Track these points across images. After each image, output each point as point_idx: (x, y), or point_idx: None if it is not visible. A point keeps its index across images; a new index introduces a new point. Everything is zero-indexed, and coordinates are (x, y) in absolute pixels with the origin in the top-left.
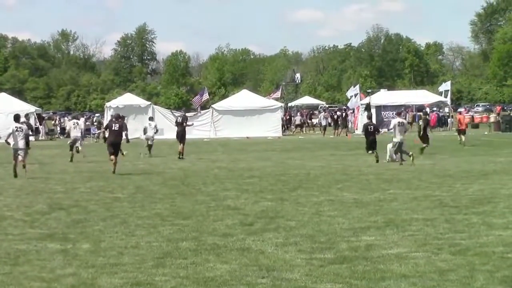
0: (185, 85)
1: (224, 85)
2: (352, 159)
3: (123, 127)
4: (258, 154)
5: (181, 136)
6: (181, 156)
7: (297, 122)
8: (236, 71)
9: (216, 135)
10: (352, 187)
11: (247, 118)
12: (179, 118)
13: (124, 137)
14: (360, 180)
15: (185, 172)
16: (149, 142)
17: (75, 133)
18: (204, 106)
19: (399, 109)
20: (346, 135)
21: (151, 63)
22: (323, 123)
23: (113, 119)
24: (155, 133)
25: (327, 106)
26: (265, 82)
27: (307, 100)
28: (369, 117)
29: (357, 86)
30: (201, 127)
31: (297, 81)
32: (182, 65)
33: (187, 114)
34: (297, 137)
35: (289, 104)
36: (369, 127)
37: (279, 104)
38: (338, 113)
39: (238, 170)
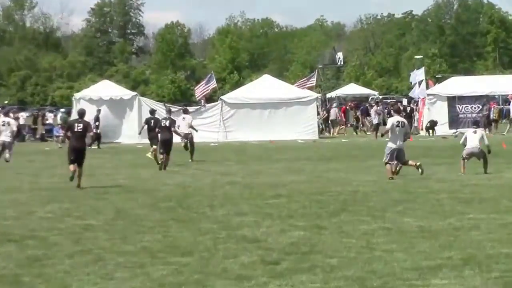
0: (184, 69)
1: (238, 69)
2: (415, 171)
3: (88, 128)
4: (286, 165)
5: (166, 145)
6: (164, 168)
7: (332, 117)
8: (254, 50)
9: (227, 137)
10: (417, 210)
11: (270, 114)
12: (164, 121)
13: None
14: (427, 200)
15: (184, 190)
16: (185, 142)
17: (3, 136)
18: (211, 98)
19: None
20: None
21: (137, 39)
22: (375, 120)
23: (78, 118)
24: (193, 130)
25: (380, 97)
26: (294, 65)
27: (352, 89)
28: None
29: (422, 70)
30: (206, 127)
31: (338, 63)
32: (179, 42)
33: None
34: (339, 141)
35: (328, 95)
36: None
37: (314, 94)
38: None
39: (258, 187)
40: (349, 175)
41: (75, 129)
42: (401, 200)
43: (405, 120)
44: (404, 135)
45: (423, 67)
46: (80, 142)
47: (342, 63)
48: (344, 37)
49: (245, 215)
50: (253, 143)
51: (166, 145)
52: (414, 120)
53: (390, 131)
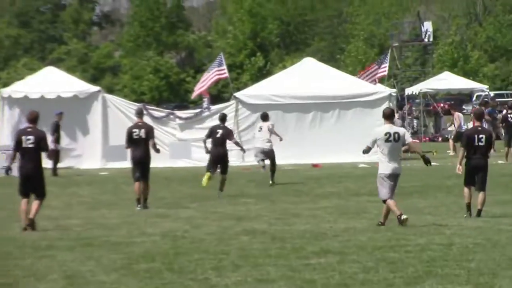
0: (176, 48)
1: (262, 49)
2: None
3: (40, 143)
4: (338, 203)
5: (141, 165)
6: (142, 205)
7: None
8: (289, 18)
9: (244, 158)
10: None
11: (313, 122)
12: (138, 131)
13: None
14: None
15: (175, 243)
16: (263, 160)
17: None
18: (218, 96)
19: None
20: None
21: (101, 0)
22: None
23: (28, 125)
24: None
25: (491, 94)
26: (354, 41)
27: (447, 81)
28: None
29: None
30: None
31: (425, 40)
32: (168, 5)
33: (179, 113)
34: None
35: (408, 91)
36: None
37: (387, 90)
38: None
39: (293, 239)
40: (439, 219)
41: (24, 144)
42: None
43: (400, 130)
44: (400, 151)
45: None
46: (33, 164)
47: (431, 39)
48: None
49: (273, 284)
50: (286, 167)
51: (143, 167)
52: None
53: (379, 146)
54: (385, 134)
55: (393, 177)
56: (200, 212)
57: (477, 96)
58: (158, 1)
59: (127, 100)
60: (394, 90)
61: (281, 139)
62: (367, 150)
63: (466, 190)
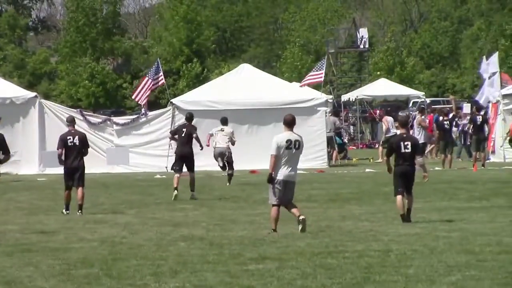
0: (113, 54)
1: (199, 55)
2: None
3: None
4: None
5: (78, 172)
6: (80, 211)
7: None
8: (225, 24)
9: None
10: (484, 280)
11: (250, 128)
12: (72, 138)
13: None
14: (495, 267)
15: (113, 249)
16: (224, 161)
17: None
18: (154, 101)
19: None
20: (483, 165)
21: (37, 5)
22: (419, 138)
23: None
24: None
25: (427, 101)
26: (289, 48)
27: (383, 87)
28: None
29: (493, 59)
30: (147, 149)
31: (361, 46)
32: (105, 11)
33: (116, 119)
34: (362, 170)
35: (345, 97)
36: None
37: (323, 96)
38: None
39: (231, 244)
40: (375, 226)
41: None
42: (458, 264)
43: (300, 138)
44: (298, 159)
45: (495, 54)
46: None
47: (367, 45)
48: (371, 3)
49: None
50: (222, 173)
51: (76, 173)
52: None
53: (276, 155)
54: (287, 141)
55: (286, 182)
56: (138, 218)
57: (413, 102)
58: (94, 7)
59: (64, 106)
60: (331, 96)
61: (233, 143)
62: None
63: (398, 199)
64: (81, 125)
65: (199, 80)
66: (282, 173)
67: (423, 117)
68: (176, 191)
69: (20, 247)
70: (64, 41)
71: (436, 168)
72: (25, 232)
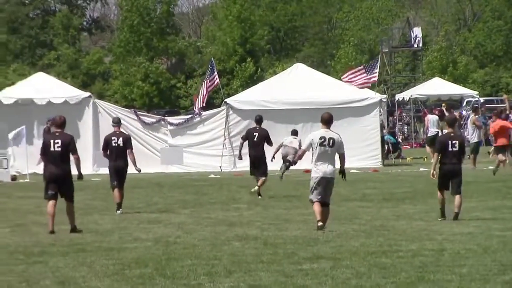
0: (167, 54)
1: (253, 55)
2: None
3: (68, 147)
4: (330, 208)
5: (120, 173)
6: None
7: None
8: (279, 24)
9: (236, 165)
10: None
11: (305, 128)
12: (116, 139)
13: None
14: None
15: (167, 249)
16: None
17: None
18: (208, 102)
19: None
20: None
21: (91, 6)
22: (473, 138)
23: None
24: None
25: (480, 100)
26: (343, 47)
27: (437, 87)
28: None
29: None
30: (202, 149)
31: (415, 45)
32: (159, 11)
33: (171, 119)
34: (416, 170)
35: (399, 97)
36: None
37: (378, 96)
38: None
39: (285, 244)
40: (430, 225)
41: (52, 148)
42: (511, 263)
43: (335, 136)
44: (334, 156)
45: None
46: (61, 167)
47: (420, 45)
48: (425, 2)
49: None
50: (277, 173)
51: (120, 175)
52: None
53: (311, 151)
54: (320, 138)
55: (325, 179)
56: (192, 218)
57: (467, 102)
58: (148, 7)
59: (118, 106)
60: (385, 96)
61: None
62: (299, 157)
63: (439, 194)
64: (135, 125)
65: (253, 79)
66: (319, 170)
67: (477, 116)
68: (259, 195)
69: (74, 247)
70: (119, 41)
71: (490, 167)
72: (80, 232)
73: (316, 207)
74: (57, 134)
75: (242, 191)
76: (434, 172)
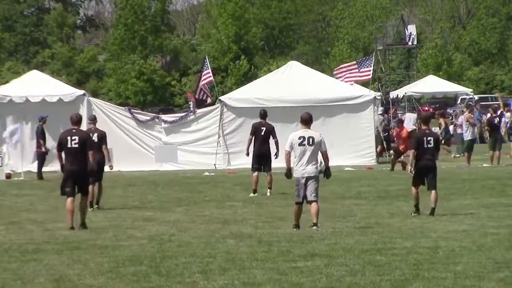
0: (161, 52)
1: (247, 53)
2: None
3: (85, 143)
4: (324, 206)
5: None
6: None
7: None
8: (273, 21)
9: (230, 163)
10: None
11: (298, 125)
12: (91, 135)
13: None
14: None
15: (162, 247)
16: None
17: None
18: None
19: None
20: None
21: (85, 4)
22: (467, 135)
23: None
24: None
25: (475, 98)
26: (338, 45)
27: (432, 84)
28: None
29: None
30: (196, 146)
31: (409, 43)
32: (153, 9)
33: (165, 117)
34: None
35: (393, 94)
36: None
37: (372, 93)
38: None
39: (280, 242)
40: (425, 223)
41: (69, 144)
42: (507, 261)
43: (315, 134)
44: (315, 155)
45: None
46: (78, 163)
47: (415, 42)
48: (419, 0)
49: (260, 287)
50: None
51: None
52: None
53: (288, 151)
54: (300, 138)
55: (306, 179)
56: (186, 216)
57: (461, 99)
58: (143, 5)
59: (112, 104)
60: (379, 93)
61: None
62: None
63: (414, 190)
64: (129, 123)
65: (247, 77)
66: (298, 171)
67: (471, 114)
68: (255, 193)
69: (69, 245)
70: (113, 39)
71: (484, 165)
72: (74, 230)
73: (296, 209)
74: (74, 131)
75: (237, 189)
76: (411, 168)
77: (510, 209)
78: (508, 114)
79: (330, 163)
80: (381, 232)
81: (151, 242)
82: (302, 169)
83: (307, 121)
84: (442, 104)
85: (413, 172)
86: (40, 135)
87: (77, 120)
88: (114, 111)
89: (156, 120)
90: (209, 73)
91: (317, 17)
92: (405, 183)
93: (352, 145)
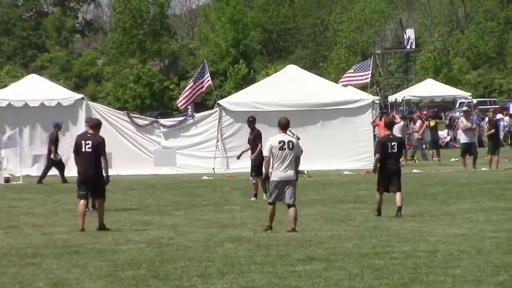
0: (160, 56)
1: (245, 56)
2: None
3: (98, 147)
4: (323, 210)
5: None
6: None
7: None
8: (272, 25)
9: (229, 167)
10: None
11: (296, 129)
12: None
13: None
14: None
15: (161, 250)
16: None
17: None
18: (202, 103)
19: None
20: None
21: (84, 7)
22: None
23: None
24: None
25: (473, 101)
26: (336, 49)
27: (430, 88)
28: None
29: None
30: (195, 150)
31: (408, 47)
32: (152, 13)
33: (163, 121)
34: (408, 171)
35: (391, 98)
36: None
37: (370, 97)
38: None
39: (279, 246)
40: (423, 226)
41: (84, 149)
42: (505, 265)
43: (293, 139)
44: (294, 159)
45: None
46: (92, 167)
47: (413, 46)
48: (417, 4)
49: None
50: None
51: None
52: None
53: (268, 156)
54: (280, 142)
55: (286, 183)
56: (185, 220)
57: (460, 103)
58: (141, 9)
59: (110, 108)
60: (377, 97)
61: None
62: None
63: (378, 196)
64: (128, 127)
65: (246, 81)
66: (277, 174)
67: (466, 119)
68: (255, 197)
69: (67, 249)
70: (111, 43)
71: (483, 169)
72: (72, 234)
73: (270, 210)
74: (89, 135)
75: (235, 192)
76: (375, 170)
77: (509, 213)
78: (506, 118)
79: (329, 167)
80: (379, 236)
81: (150, 246)
82: (283, 173)
83: (286, 126)
84: (441, 108)
85: (375, 172)
86: (54, 142)
87: (94, 125)
88: (113, 115)
89: (155, 124)
90: (208, 77)
91: (315, 21)
92: (404, 187)
93: (350, 149)
